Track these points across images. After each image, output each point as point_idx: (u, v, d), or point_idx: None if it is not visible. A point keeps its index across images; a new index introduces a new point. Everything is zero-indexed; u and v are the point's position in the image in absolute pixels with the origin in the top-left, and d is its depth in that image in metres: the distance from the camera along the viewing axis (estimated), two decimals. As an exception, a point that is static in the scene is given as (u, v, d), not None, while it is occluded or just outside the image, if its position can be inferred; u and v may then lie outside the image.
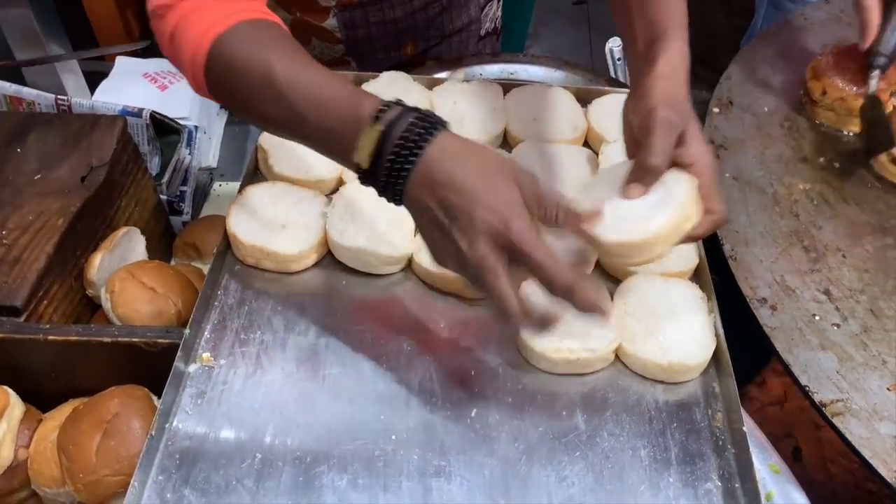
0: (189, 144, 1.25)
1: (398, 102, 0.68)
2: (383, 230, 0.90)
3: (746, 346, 0.99)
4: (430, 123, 0.66)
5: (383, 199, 0.90)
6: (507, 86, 1.13)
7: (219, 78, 0.75)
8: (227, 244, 0.92)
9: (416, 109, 0.67)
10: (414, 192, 0.67)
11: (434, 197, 0.65)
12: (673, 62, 0.76)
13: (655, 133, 0.72)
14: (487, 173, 0.65)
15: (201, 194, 1.27)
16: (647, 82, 0.75)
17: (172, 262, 1.17)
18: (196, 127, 1.26)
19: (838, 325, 0.89)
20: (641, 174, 0.73)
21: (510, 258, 0.64)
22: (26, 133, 1.06)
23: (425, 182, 0.65)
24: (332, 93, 0.69)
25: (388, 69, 1.13)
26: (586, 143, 1.08)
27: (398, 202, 0.69)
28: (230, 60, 0.73)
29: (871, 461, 0.77)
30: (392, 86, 1.10)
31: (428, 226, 0.68)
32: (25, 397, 0.93)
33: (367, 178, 0.69)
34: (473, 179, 0.64)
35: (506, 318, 0.65)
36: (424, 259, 0.88)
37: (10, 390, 0.89)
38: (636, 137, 0.76)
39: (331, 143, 0.71)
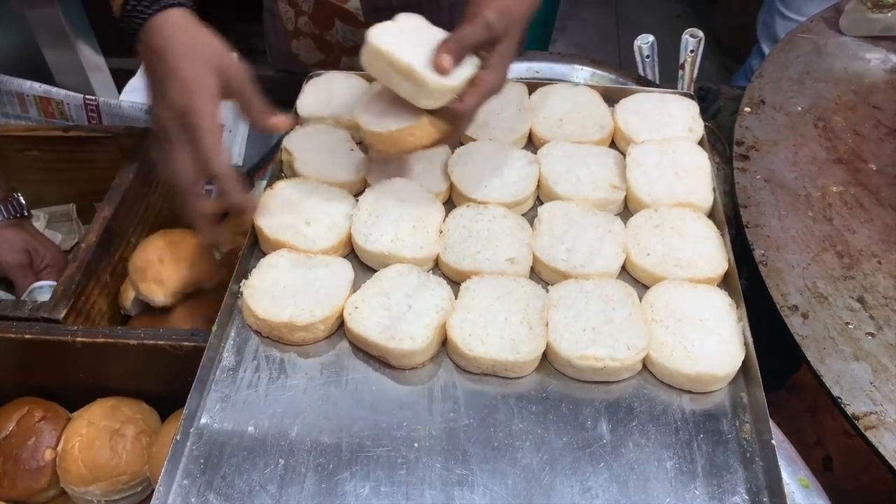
0: (215, 143, 1.26)
1: None
2: (408, 234, 0.89)
3: (777, 351, 0.97)
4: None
5: (411, 199, 0.90)
6: (533, 85, 1.11)
7: None
8: (254, 240, 0.93)
9: None
10: (140, 47, 0.82)
11: (147, 57, 0.80)
12: None
13: (470, 24, 0.81)
14: (188, 59, 0.79)
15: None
16: None
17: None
18: (221, 125, 1.26)
19: (873, 335, 0.87)
20: (440, 51, 0.80)
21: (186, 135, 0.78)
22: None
23: (145, 42, 0.80)
24: None
25: None
26: (613, 144, 1.06)
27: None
28: None
29: (905, 476, 0.75)
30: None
31: (146, 81, 0.83)
32: (54, 397, 0.94)
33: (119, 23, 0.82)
34: (178, 55, 0.78)
35: (176, 183, 0.81)
36: (451, 258, 0.88)
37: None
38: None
39: None
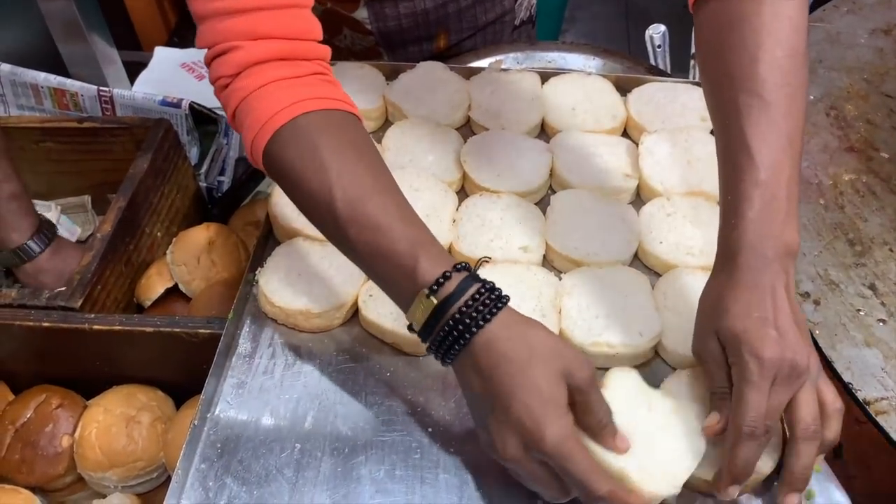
0: (227, 134, 1.27)
1: (461, 267, 0.65)
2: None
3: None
4: (488, 302, 0.63)
5: (425, 188, 0.90)
6: (545, 75, 1.12)
7: (279, 179, 0.73)
8: (268, 230, 0.93)
9: (476, 279, 0.64)
10: (461, 367, 0.66)
11: (478, 379, 0.64)
12: (763, 237, 0.65)
13: (747, 389, 0.62)
14: (533, 365, 0.62)
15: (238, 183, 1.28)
16: (724, 278, 0.66)
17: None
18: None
19: (884, 321, 0.87)
20: (733, 443, 0.63)
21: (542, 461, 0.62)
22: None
23: (470, 363, 0.64)
24: (390, 245, 0.65)
25: (422, 61, 1.12)
26: (625, 133, 1.06)
27: (447, 365, 0.67)
28: (288, 169, 0.69)
29: (916, 461, 0.75)
30: (428, 76, 1.09)
31: (471, 402, 0.69)
32: (71, 384, 0.96)
33: (419, 336, 0.68)
34: (518, 371, 0.61)
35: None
36: (464, 246, 0.88)
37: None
38: (715, 361, 0.67)
39: (388, 289, 0.69)
